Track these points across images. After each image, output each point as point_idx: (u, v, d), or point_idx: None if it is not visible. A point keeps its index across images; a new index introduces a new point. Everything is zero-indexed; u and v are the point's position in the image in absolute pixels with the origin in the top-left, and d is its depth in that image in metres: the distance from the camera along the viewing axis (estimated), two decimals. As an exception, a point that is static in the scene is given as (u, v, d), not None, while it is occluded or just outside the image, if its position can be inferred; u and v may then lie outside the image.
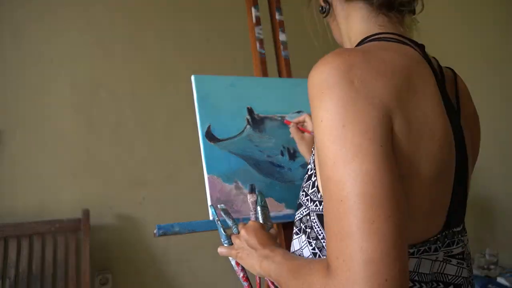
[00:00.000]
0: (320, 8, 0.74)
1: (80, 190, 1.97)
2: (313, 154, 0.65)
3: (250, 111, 1.10)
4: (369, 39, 0.63)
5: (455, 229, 0.63)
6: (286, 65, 1.27)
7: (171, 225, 0.89)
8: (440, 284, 0.61)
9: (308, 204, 0.65)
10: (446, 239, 0.61)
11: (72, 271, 1.83)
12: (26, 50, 1.88)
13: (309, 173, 0.66)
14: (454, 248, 0.63)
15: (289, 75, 1.27)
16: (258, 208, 0.84)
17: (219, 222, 0.82)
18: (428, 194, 0.55)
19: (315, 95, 0.53)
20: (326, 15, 0.74)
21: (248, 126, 1.08)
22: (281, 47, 1.28)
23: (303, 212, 0.66)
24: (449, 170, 0.58)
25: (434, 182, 0.55)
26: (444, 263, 0.61)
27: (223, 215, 0.82)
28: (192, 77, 1.06)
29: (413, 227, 0.55)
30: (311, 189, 0.64)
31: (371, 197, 0.46)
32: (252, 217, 0.84)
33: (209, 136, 1.02)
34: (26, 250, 1.77)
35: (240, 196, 0.99)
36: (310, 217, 0.64)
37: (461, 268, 0.63)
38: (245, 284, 0.80)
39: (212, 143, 1.01)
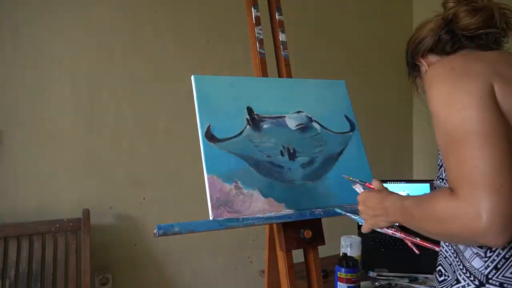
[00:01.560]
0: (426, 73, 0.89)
1: (80, 190, 1.97)
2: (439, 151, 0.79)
3: (250, 111, 1.10)
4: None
5: None
6: (286, 65, 1.27)
7: (171, 225, 0.89)
8: None
9: (446, 186, 0.75)
10: None
11: (72, 271, 1.83)
12: (26, 50, 1.88)
13: (439, 163, 0.80)
14: None
15: (289, 75, 1.27)
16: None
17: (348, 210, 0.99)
18: None
19: (427, 83, 0.71)
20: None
21: (248, 126, 1.08)
22: (281, 47, 1.28)
23: None
24: None
25: None
26: None
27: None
28: (192, 77, 1.06)
29: None
30: (444, 172, 0.77)
31: (477, 132, 0.60)
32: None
33: (209, 136, 1.02)
34: (26, 250, 1.77)
35: (240, 196, 0.99)
36: None
37: None
38: (399, 235, 0.90)
39: (212, 143, 1.01)
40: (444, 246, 0.80)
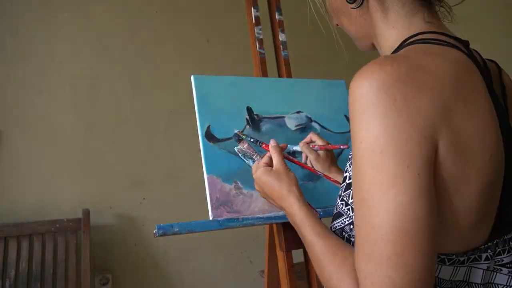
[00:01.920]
0: None
1: (80, 190, 1.97)
2: (351, 164, 0.63)
3: (250, 111, 1.10)
4: (410, 40, 0.59)
5: (506, 236, 0.60)
6: (286, 65, 1.27)
7: (171, 225, 0.89)
8: None
9: (350, 214, 0.65)
10: (497, 248, 0.59)
11: (72, 271, 1.83)
12: (26, 50, 1.88)
13: (347, 181, 0.65)
14: (505, 257, 0.60)
15: (289, 75, 1.27)
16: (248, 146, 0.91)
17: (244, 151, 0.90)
18: (475, 206, 0.53)
19: (355, 111, 0.50)
20: (358, 6, 0.65)
21: (247, 126, 1.08)
22: (281, 47, 1.28)
23: (345, 221, 0.66)
24: (498, 178, 0.56)
25: (483, 193, 0.53)
26: (495, 273, 0.60)
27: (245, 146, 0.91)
28: (192, 77, 1.06)
29: (463, 237, 0.55)
30: (351, 199, 0.64)
31: (402, 231, 0.46)
32: (256, 159, 0.90)
33: (209, 136, 1.02)
34: (26, 250, 1.77)
35: (240, 196, 0.99)
36: (354, 227, 0.64)
37: (511, 277, 0.61)
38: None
39: (212, 143, 1.01)
40: None
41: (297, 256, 1.17)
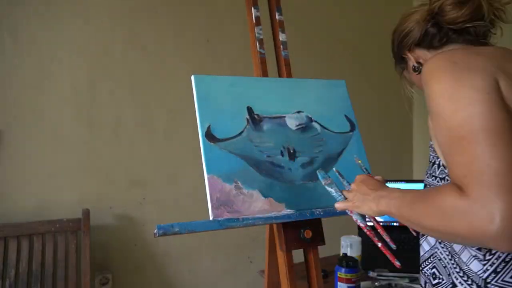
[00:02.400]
0: (413, 68, 0.86)
1: (80, 190, 1.97)
2: (431, 145, 0.78)
3: (250, 111, 1.10)
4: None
5: None
6: (286, 65, 1.27)
7: (171, 225, 0.89)
8: None
9: (439, 184, 0.75)
10: None
11: (72, 271, 1.83)
12: (26, 50, 1.88)
13: (431, 161, 0.79)
14: None
15: (289, 75, 1.27)
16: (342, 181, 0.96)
17: (329, 182, 0.92)
18: None
19: (427, 77, 0.67)
20: (419, 73, 0.85)
21: (248, 126, 1.08)
22: (281, 47, 1.28)
23: None
24: None
25: None
26: None
27: (334, 179, 0.93)
28: (192, 77, 1.06)
29: None
30: (438, 170, 0.76)
31: (489, 130, 0.57)
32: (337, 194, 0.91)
33: (209, 136, 1.02)
34: (26, 250, 1.77)
35: (240, 196, 0.99)
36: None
37: None
38: (366, 231, 0.89)
39: (212, 143, 1.01)
40: (439, 248, 0.77)
41: (297, 256, 1.17)
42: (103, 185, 2.02)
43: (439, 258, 0.76)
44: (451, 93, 0.62)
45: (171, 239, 2.04)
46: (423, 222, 0.63)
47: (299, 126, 1.15)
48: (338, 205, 0.88)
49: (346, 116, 1.23)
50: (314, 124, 1.17)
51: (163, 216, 2.13)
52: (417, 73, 0.85)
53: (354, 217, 0.87)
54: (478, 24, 0.76)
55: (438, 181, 0.75)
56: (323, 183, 0.92)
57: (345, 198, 0.88)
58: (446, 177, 0.73)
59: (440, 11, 0.77)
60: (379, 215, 0.79)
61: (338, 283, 1.41)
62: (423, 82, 0.68)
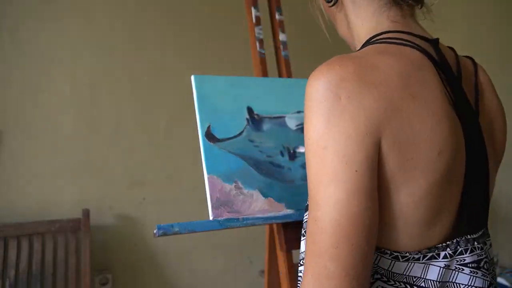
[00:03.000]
0: None
1: (80, 190, 1.97)
2: None
3: (250, 111, 1.10)
4: (373, 40, 0.60)
5: (469, 236, 0.59)
6: (286, 65, 1.27)
7: (171, 225, 0.89)
8: None
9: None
10: (458, 247, 0.58)
11: (72, 271, 1.83)
12: (26, 50, 1.88)
13: None
14: (467, 256, 0.59)
15: (289, 75, 1.27)
16: None
17: None
18: (429, 202, 0.54)
19: (306, 110, 0.54)
20: (333, 4, 0.67)
21: (248, 126, 1.08)
22: (281, 47, 1.28)
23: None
24: (455, 176, 0.56)
25: (431, 190, 0.53)
26: (456, 272, 0.59)
27: None
28: (192, 77, 1.06)
29: (414, 235, 0.56)
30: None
31: (338, 225, 0.49)
32: None
33: (209, 136, 1.02)
34: (26, 250, 1.77)
35: (240, 196, 0.99)
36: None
37: (474, 277, 0.60)
38: None
39: (212, 143, 1.01)
40: None
41: (297, 256, 1.17)
42: (103, 185, 2.02)
43: None
44: (320, 155, 0.51)
45: (171, 239, 2.04)
46: None
47: (299, 126, 1.15)
48: None
49: (346, 116, 1.23)
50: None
51: (163, 216, 2.13)
52: (330, 4, 0.68)
53: None
54: None
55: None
56: None
57: None
58: None
59: None
60: None
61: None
62: (304, 105, 0.55)
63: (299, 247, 1.08)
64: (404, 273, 0.57)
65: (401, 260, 0.56)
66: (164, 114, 2.17)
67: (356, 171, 0.49)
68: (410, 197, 0.53)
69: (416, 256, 0.57)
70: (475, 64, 0.67)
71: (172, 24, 2.19)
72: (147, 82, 2.13)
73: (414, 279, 0.57)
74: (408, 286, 0.58)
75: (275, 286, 1.21)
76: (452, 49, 0.64)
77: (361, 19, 0.64)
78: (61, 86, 1.95)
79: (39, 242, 1.80)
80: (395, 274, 0.57)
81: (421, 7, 0.64)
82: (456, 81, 0.58)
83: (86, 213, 1.88)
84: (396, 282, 0.58)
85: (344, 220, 0.49)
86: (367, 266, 0.50)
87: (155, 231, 0.88)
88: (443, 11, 0.68)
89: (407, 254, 0.56)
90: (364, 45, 0.62)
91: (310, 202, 0.53)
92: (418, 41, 0.58)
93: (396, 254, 0.56)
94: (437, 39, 0.61)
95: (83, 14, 1.99)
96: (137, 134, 2.10)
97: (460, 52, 0.66)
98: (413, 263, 0.57)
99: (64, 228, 1.84)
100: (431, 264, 0.57)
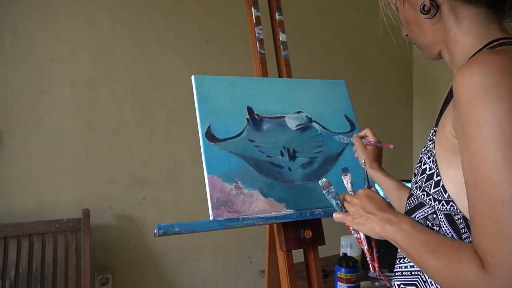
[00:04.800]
0: (422, 7, 0.68)
1: (80, 190, 1.97)
2: (433, 155, 0.67)
3: (250, 111, 1.10)
4: (491, 45, 0.62)
5: None
6: (286, 65, 1.27)
7: (171, 225, 0.89)
8: None
9: (432, 204, 0.66)
10: None
11: (72, 271, 1.83)
12: (26, 50, 1.88)
13: (427, 172, 0.68)
14: None
15: (289, 75, 1.27)
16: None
17: (331, 192, 0.85)
18: None
19: (474, 96, 0.52)
20: (431, 16, 0.68)
21: (248, 126, 1.08)
22: (281, 47, 1.28)
23: (428, 211, 0.68)
24: None
25: None
26: None
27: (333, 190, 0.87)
28: (192, 77, 1.06)
29: None
30: (434, 188, 0.66)
31: None
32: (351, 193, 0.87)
33: (209, 136, 1.02)
34: (26, 250, 1.77)
35: (240, 196, 0.99)
36: (437, 216, 0.66)
37: None
38: (364, 247, 0.85)
39: (212, 143, 1.01)
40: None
41: (297, 256, 1.17)
42: (103, 185, 2.02)
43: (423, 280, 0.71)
44: (507, 138, 0.49)
45: (171, 239, 2.04)
46: (430, 275, 0.59)
47: (299, 126, 1.15)
48: (337, 216, 0.83)
49: (346, 116, 1.23)
50: (314, 124, 1.17)
51: (163, 216, 2.13)
52: (426, 15, 0.68)
53: (353, 231, 0.84)
54: None
55: (431, 200, 0.67)
56: (325, 193, 0.88)
57: (345, 211, 0.82)
58: (444, 202, 0.65)
59: None
60: (380, 238, 0.73)
61: (338, 283, 1.41)
62: (460, 95, 0.54)
63: (299, 247, 1.08)
64: None
65: None
66: (164, 114, 2.17)
67: None
68: None
69: None
70: None
71: (172, 24, 2.19)
72: (147, 82, 2.13)
73: None
74: None
75: (275, 286, 1.21)
76: None
77: (466, 29, 0.67)
78: (61, 86, 1.95)
79: (39, 242, 1.80)
80: None
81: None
82: None
83: (86, 213, 1.88)
84: None
85: None
86: None
87: (155, 231, 0.88)
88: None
89: None
90: (480, 51, 0.64)
91: (487, 184, 0.50)
92: None
93: None
94: None
95: (83, 14, 1.99)
96: (137, 134, 2.10)
97: None
98: None
99: (64, 228, 1.84)
100: None
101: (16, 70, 1.86)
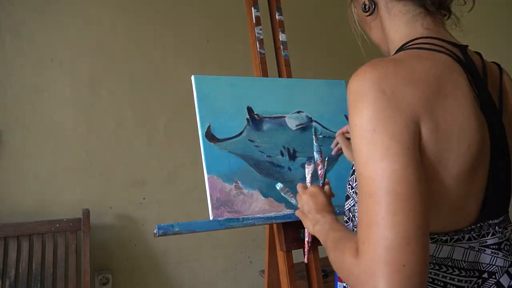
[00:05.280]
0: (363, 6, 0.74)
1: (80, 190, 1.97)
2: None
3: (250, 111, 1.10)
4: (407, 45, 0.66)
5: (491, 221, 0.66)
6: (286, 65, 1.27)
7: (171, 225, 0.89)
8: (476, 272, 0.65)
9: (354, 196, 0.74)
10: (481, 230, 0.65)
11: (72, 271, 1.83)
12: (26, 50, 1.88)
13: (353, 168, 0.76)
14: (489, 239, 0.66)
15: (289, 75, 1.27)
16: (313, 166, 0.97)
17: (288, 192, 0.97)
18: (457, 190, 0.60)
19: (351, 102, 0.58)
20: (370, 14, 0.74)
21: (248, 126, 1.08)
22: (281, 47, 1.28)
23: (351, 203, 0.76)
24: (480, 167, 0.62)
25: (464, 178, 0.60)
26: (479, 253, 0.65)
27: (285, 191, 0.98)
28: (192, 77, 1.06)
29: (443, 218, 0.61)
30: (355, 182, 0.73)
31: (396, 193, 0.52)
32: (308, 179, 0.96)
33: (209, 136, 1.02)
34: (26, 250, 1.77)
35: (240, 196, 0.99)
36: (356, 207, 0.73)
37: (495, 257, 0.66)
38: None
39: (212, 143, 1.01)
40: None
41: (297, 256, 1.17)
42: (103, 185, 2.02)
43: None
44: (369, 137, 0.55)
45: (171, 239, 2.04)
46: (336, 268, 0.63)
47: (299, 126, 1.15)
48: (297, 212, 0.90)
49: (346, 116, 1.23)
50: (314, 124, 1.17)
51: (163, 216, 2.13)
52: (367, 13, 0.74)
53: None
54: None
55: (353, 193, 0.75)
56: (285, 196, 0.99)
57: None
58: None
59: None
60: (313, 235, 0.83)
61: (338, 283, 1.41)
62: (347, 97, 0.60)
63: (299, 247, 1.08)
64: (434, 255, 0.62)
65: (430, 241, 0.61)
66: (164, 114, 2.17)
67: (408, 148, 0.54)
68: (441, 184, 0.59)
69: (444, 238, 0.62)
70: (500, 68, 0.73)
71: (172, 24, 2.19)
72: (147, 82, 2.13)
73: (442, 260, 0.63)
74: (437, 266, 0.63)
75: (275, 286, 1.21)
76: (479, 54, 0.70)
77: (396, 27, 0.70)
78: (61, 86, 1.95)
79: (39, 242, 1.80)
80: None
81: (448, 18, 0.70)
82: (482, 83, 0.64)
83: (86, 213, 1.88)
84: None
85: (402, 188, 0.52)
86: (426, 234, 0.52)
87: (155, 231, 0.88)
88: (470, 20, 0.74)
89: (436, 236, 0.62)
90: (399, 50, 0.68)
91: (361, 180, 0.55)
92: (448, 46, 0.64)
93: None
94: (466, 46, 0.67)
95: (83, 14, 1.99)
96: (137, 134, 2.10)
97: (485, 57, 0.71)
98: (441, 245, 0.62)
99: (64, 228, 1.84)
100: (457, 246, 0.63)
101: (16, 70, 1.86)
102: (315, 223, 0.80)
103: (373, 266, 0.51)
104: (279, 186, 0.97)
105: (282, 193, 0.97)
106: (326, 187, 0.92)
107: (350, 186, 0.77)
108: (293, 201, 0.94)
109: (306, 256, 1.07)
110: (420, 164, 0.54)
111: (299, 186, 0.90)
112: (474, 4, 0.69)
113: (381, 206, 0.52)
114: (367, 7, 0.73)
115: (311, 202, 0.85)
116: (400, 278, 0.49)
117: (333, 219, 0.77)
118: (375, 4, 0.72)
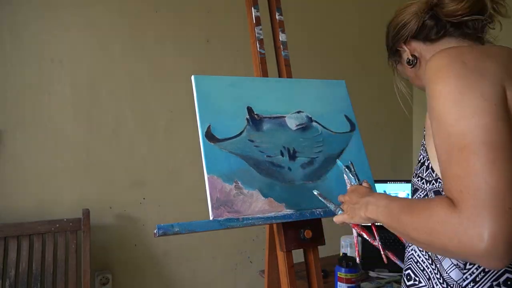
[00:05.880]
0: (408, 61, 0.84)
1: (80, 190, 1.97)
2: (424, 145, 0.76)
3: (250, 111, 1.10)
4: None
5: None
6: (286, 65, 1.27)
7: (171, 225, 0.89)
8: None
9: (424, 186, 0.74)
10: None
11: (72, 271, 1.83)
12: (26, 50, 1.88)
13: (421, 161, 0.76)
14: None
15: (289, 75, 1.27)
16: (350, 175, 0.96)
17: (325, 198, 0.96)
18: None
19: (433, 75, 0.63)
20: (413, 66, 0.83)
21: (248, 126, 1.08)
22: (281, 47, 1.28)
23: (420, 195, 0.75)
24: None
25: None
26: None
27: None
28: (192, 77, 1.06)
29: None
30: (426, 172, 0.74)
31: (491, 143, 0.55)
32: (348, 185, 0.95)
33: (209, 136, 1.02)
34: (26, 250, 1.77)
35: (240, 196, 0.99)
36: (428, 196, 0.73)
37: None
38: (369, 239, 0.92)
39: (212, 143, 1.01)
40: (417, 251, 0.77)
41: (297, 256, 1.17)
42: (103, 185, 2.02)
43: (415, 260, 0.77)
44: (457, 98, 0.58)
45: (171, 239, 2.04)
46: (410, 234, 0.62)
47: (299, 126, 1.15)
48: (336, 219, 0.90)
49: (346, 116, 1.23)
50: (314, 124, 1.17)
51: (163, 216, 2.13)
52: (411, 66, 0.83)
53: (354, 232, 0.92)
54: (477, 18, 0.74)
55: (423, 183, 0.74)
56: (316, 194, 0.98)
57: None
58: (433, 181, 0.71)
59: (439, 3, 0.75)
60: (369, 222, 0.80)
61: (338, 283, 1.41)
62: (426, 78, 0.65)
63: (299, 247, 1.08)
64: None
65: None
66: (164, 114, 2.17)
67: (495, 104, 0.58)
68: None
69: None
70: None
71: (172, 24, 2.19)
72: (147, 82, 2.13)
73: None
74: None
75: (275, 286, 1.21)
76: None
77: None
78: (61, 86, 1.95)
79: (39, 242, 1.80)
80: None
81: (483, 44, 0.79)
82: None
83: (86, 213, 1.88)
84: None
85: (496, 137, 0.55)
86: None
87: (155, 231, 0.88)
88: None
89: None
90: None
91: (451, 138, 0.58)
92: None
93: None
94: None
95: (83, 14, 1.99)
96: (137, 134, 2.10)
97: None
98: None
99: (64, 228, 1.84)
100: None
101: (16, 70, 1.86)
102: (366, 206, 0.77)
103: (477, 211, 0.52)
104: (316, 192, 0.98)
105: (320, 198, 0.96)
106: (364, 183, 0.91)
107: (419, 177, 0.76)
108: (331, 206, 0.94)
109: (384, 255, 0.92)
110: (509, 119, 0.58)
111: (339, 197, 0.91)
112: (502, 27, 0.77)
113: (479, 155, 0.54)
114: (411, 61, 0.83)
115: (354, 195, 0.84)
116: (506, 220, 0.51)
117: (387, 195, 0.75)
118: (417, 58, 0.82)
